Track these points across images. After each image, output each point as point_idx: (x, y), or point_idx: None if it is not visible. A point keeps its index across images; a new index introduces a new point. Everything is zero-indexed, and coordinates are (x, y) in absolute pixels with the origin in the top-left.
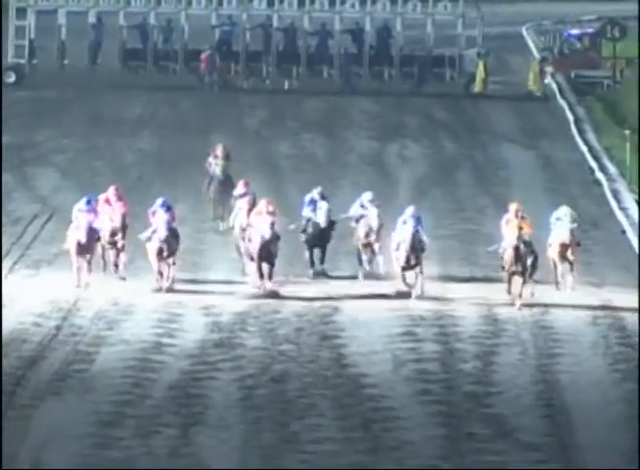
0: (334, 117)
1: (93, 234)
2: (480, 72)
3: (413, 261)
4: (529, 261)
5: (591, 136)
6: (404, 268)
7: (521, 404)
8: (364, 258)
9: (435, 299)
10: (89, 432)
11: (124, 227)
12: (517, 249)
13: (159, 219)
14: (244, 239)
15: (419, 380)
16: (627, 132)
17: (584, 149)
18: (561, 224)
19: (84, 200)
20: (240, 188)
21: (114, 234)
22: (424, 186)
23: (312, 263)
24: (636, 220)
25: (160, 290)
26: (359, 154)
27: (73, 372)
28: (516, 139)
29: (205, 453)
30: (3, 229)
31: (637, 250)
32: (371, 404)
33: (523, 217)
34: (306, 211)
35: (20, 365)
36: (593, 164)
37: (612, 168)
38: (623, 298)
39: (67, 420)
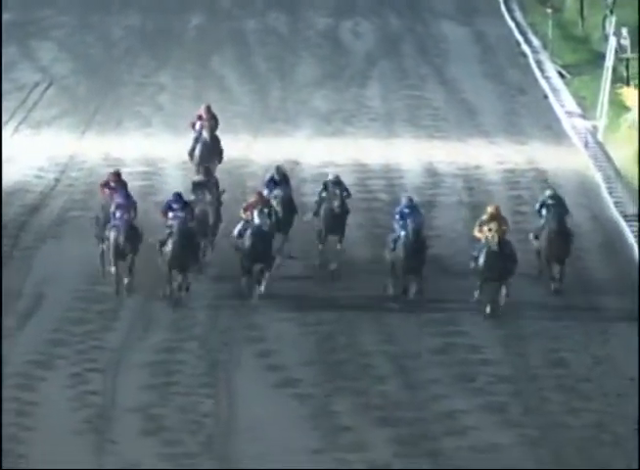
0: None
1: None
2: None
3: None
4: (507, 267)
5: (518, 14)
6: None
7: (456, 246)
8: None
9: (384, 154)
10: (83, 270)
11: None
12: (494, 255)
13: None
14: None
15: (370, 226)
16: (549, 11)
17: (512, 25)
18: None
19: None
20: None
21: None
22: (373, 57)
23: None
24: (558, 86)
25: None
26: (317, 30)
27: (70, 218)
28: (453, 16)
29: None
30: (8, 96)
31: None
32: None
33: (500, 220)
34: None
35: (23, 212)
36: (520, 38)
37: (536, 42)
38: (546, 154)
39: (64, 260)
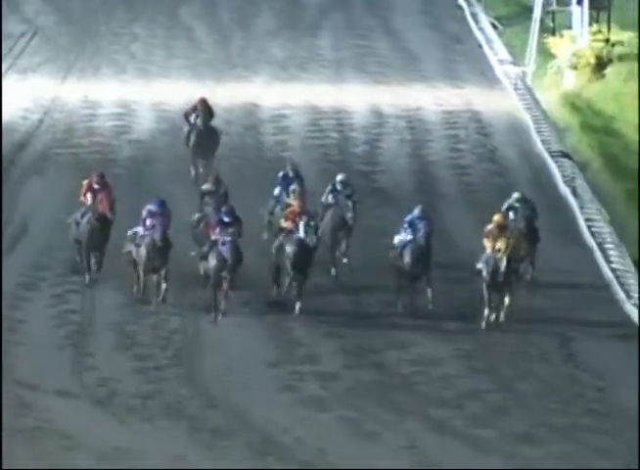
0: None
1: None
2: None
3: None
4: (512, 279)
5: None
6: None
7: (399, 180)
8: None
9: (334, 97)
10: (64, 201)
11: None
12: (500, 267)
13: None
14: None
15: (322, 161)
16: None
17: None
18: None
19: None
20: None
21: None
22: (325, 10)
23: None
24: (491, 36)
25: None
26: None
27: (53, 155)
28: None
29: None
30: None
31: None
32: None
33: (503, 230)
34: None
35: (11, 149)
36: None
37: None
38: (480, 97)
39: (47, 192)
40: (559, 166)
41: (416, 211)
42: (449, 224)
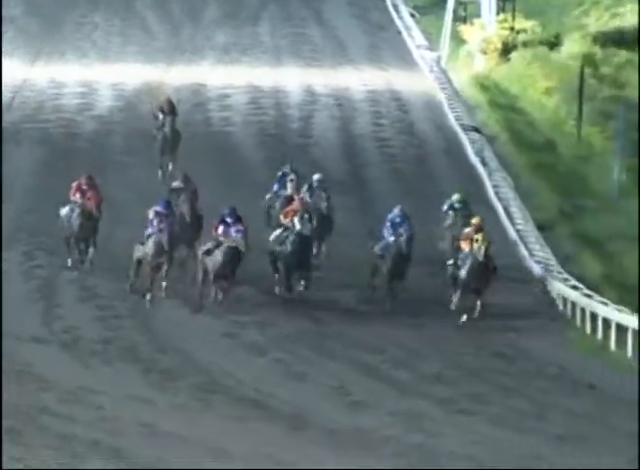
0: None
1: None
2: None
3: None
4: (489, 279)
5: None
6: None
7: (329, 151)
8: None
9: (272, 79)
10: (35, 169)
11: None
12: (480, 266)
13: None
14: None
15: (261, 135)
16: None
17: None
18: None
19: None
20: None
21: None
22: (264, 2)
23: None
24: (409, 24)
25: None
26: None
27: (24, 129)
28: None
29: None
30: None
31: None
32: (227, 146)
33: (480, 230)
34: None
35: None
36: None
37: None
38: (400, 78)
39: (21, 162)
40: (469, 139)
41: (396, 211)
42: (373, 190)
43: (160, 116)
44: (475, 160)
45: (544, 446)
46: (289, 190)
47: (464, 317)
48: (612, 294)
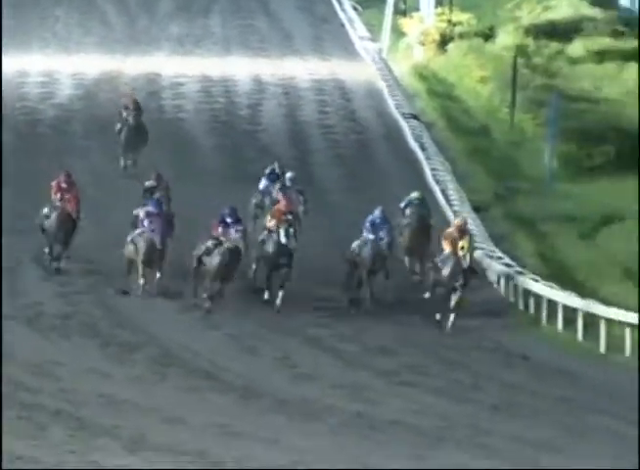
0: None
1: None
2: None
3: None
4: (467, 279)
5: None
6: None
7: (277, 137)
8: None
9: (222, 68)
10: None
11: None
12: (460, 267)
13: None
14: None
15: (212, 122)
16: None
17: None
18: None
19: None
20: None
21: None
22: None
23: None
24: (352, 17)
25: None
26: None
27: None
28: None
29: None
30: None
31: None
32: (180, 132)
33: (464, 233)
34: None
35: None
36: None
37: None
38: (343, 68)
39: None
40: (409, 125)
41: (377, 212)
42: (318, 175)
43: (124, 113)
44: (414, 145)
45: (480, 415)
46: (274, 193)
47: (438, 316)
48: (542, 271)
